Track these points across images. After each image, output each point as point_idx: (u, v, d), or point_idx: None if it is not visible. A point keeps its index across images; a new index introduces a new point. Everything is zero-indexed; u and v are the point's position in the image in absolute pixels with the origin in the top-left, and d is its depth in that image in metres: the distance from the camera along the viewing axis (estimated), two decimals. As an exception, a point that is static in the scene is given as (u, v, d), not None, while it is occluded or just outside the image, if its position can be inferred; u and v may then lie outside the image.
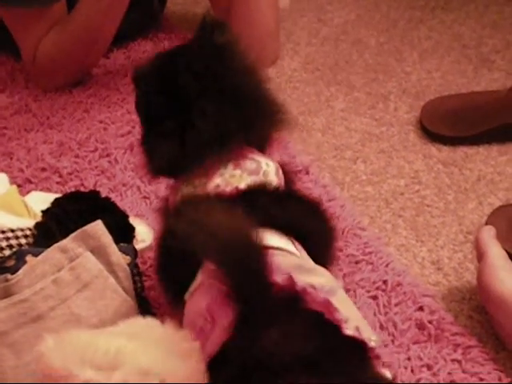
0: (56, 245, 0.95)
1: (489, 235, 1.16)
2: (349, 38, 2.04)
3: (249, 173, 0.96)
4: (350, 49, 1.99)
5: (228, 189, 0.93)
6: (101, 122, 1.69)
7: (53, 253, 0.94)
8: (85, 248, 0.95)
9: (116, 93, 1.81)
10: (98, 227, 0.97)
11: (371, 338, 0.79)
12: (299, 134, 1.64)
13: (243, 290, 0.77)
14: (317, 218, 0.99)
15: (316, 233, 0.98)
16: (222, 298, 0.78)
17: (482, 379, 1.04)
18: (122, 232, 1.06)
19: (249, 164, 0.97)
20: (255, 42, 1.84)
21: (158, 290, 1.22)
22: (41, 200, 1.14)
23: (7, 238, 0.98)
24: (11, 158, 1.58)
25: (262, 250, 0.78)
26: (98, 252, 0.95)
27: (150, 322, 0.82)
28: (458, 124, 1.58)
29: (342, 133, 1.64)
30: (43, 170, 1.53)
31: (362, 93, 1.79)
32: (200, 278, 0.87)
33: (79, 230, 0.96)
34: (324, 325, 0.77)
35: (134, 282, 1.04)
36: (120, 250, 0.98)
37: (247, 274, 0.76)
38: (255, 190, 0.94)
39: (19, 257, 0.94)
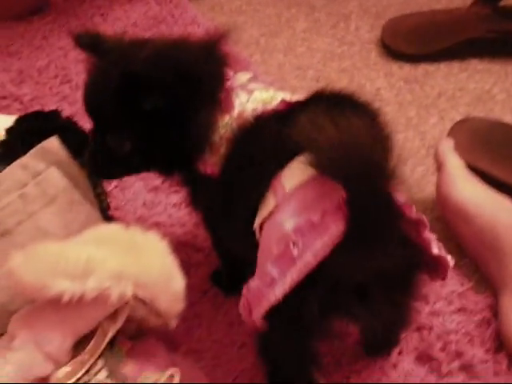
0: (16, 162, 0.93)
1: (448, 146, 1.18)
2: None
3: (266, 88, 0.91)
4: (310, -31, 1.97)
5: (269, 107, 0.87)
6: (61, 48, 1.67)
7: (14, 169, 0.93)
8: (46, 163, 0.94)
9: (75, 19, 1.79)
10: (54, 142, 0.96)
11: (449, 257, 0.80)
12: (260, 56, 1.63)
13: (361, 202, 0.71)
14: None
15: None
16: (314, 220, 0.73)
17: (442, 285, 1.06)
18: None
19: (254, 85, 0.92)
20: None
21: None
22: (1, 122, 1.13)
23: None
24: (-30, 88, 1.57)
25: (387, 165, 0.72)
26: (59, 166, 0.95)
27: (114, 228, 0.82)
28: (419, 41, 1.58)
29: (304, 53, 1.64)
30: (4, 97, 1.52)
31: (322, 13, 1.78)
32: (272, 202, 0.79)
33: (37, 146, 0.94)
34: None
35: (100, 201, 1.04)
36: (78, 162, 0.98)
37: (371, 185, 0.70)
38: (317, 98, 0.86)
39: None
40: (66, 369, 0.78)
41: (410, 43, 1.58)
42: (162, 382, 0.78)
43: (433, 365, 0.97)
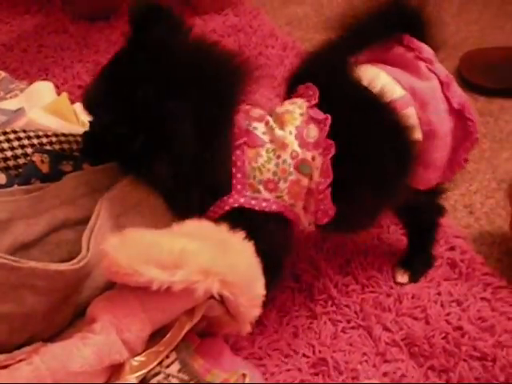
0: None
1: None
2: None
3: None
4: None
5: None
6: (139, 45, 1.69)
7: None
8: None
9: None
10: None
11: None
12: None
13: None
14: None
15: None
16: None
17: (510, 318, 1.06)
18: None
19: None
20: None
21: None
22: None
23: (60, 142, 0.98)
24: (47, 75, 1.60)
25: None
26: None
27: (205, 224, 0.83)
28: (496, 76, 1.58)
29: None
30: (80, 87, 1.54)
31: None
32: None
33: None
34: None
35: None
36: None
37: None
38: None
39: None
40: (141, 358, 0.79)
41: (486, 77, 1.58)
42: (232, 381, 0.79)
43: (494, 398, 0.96)
